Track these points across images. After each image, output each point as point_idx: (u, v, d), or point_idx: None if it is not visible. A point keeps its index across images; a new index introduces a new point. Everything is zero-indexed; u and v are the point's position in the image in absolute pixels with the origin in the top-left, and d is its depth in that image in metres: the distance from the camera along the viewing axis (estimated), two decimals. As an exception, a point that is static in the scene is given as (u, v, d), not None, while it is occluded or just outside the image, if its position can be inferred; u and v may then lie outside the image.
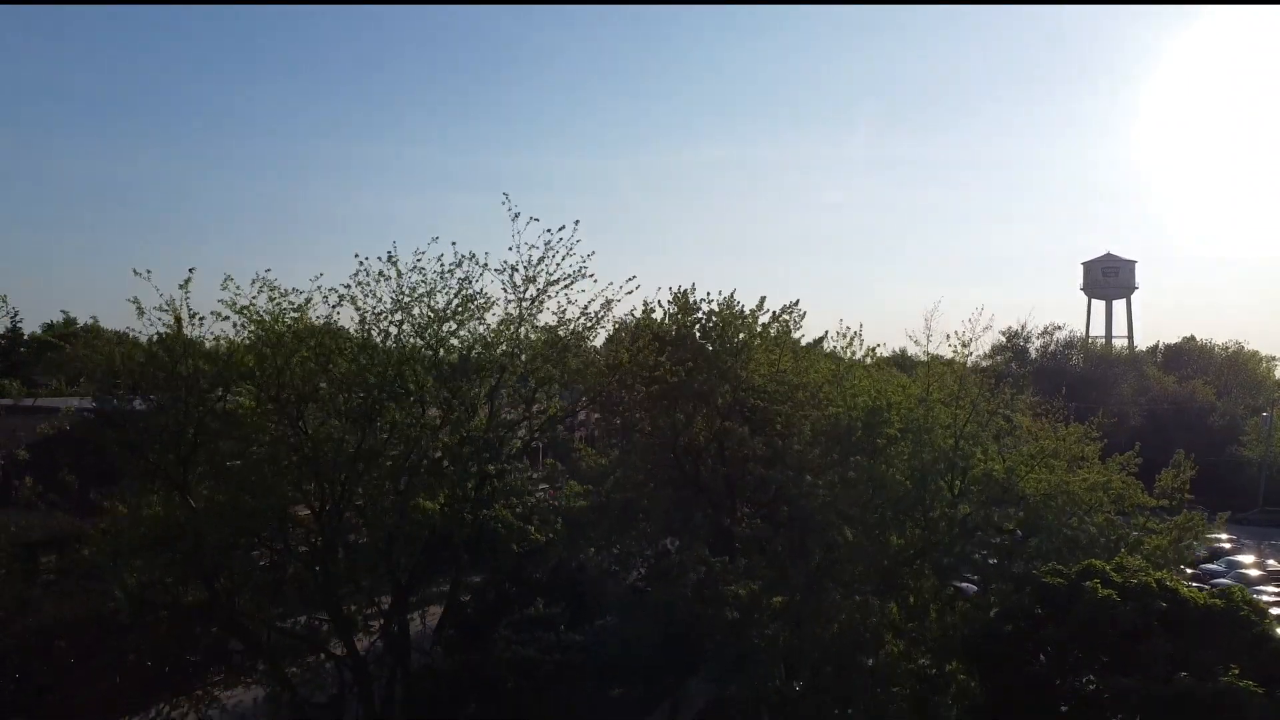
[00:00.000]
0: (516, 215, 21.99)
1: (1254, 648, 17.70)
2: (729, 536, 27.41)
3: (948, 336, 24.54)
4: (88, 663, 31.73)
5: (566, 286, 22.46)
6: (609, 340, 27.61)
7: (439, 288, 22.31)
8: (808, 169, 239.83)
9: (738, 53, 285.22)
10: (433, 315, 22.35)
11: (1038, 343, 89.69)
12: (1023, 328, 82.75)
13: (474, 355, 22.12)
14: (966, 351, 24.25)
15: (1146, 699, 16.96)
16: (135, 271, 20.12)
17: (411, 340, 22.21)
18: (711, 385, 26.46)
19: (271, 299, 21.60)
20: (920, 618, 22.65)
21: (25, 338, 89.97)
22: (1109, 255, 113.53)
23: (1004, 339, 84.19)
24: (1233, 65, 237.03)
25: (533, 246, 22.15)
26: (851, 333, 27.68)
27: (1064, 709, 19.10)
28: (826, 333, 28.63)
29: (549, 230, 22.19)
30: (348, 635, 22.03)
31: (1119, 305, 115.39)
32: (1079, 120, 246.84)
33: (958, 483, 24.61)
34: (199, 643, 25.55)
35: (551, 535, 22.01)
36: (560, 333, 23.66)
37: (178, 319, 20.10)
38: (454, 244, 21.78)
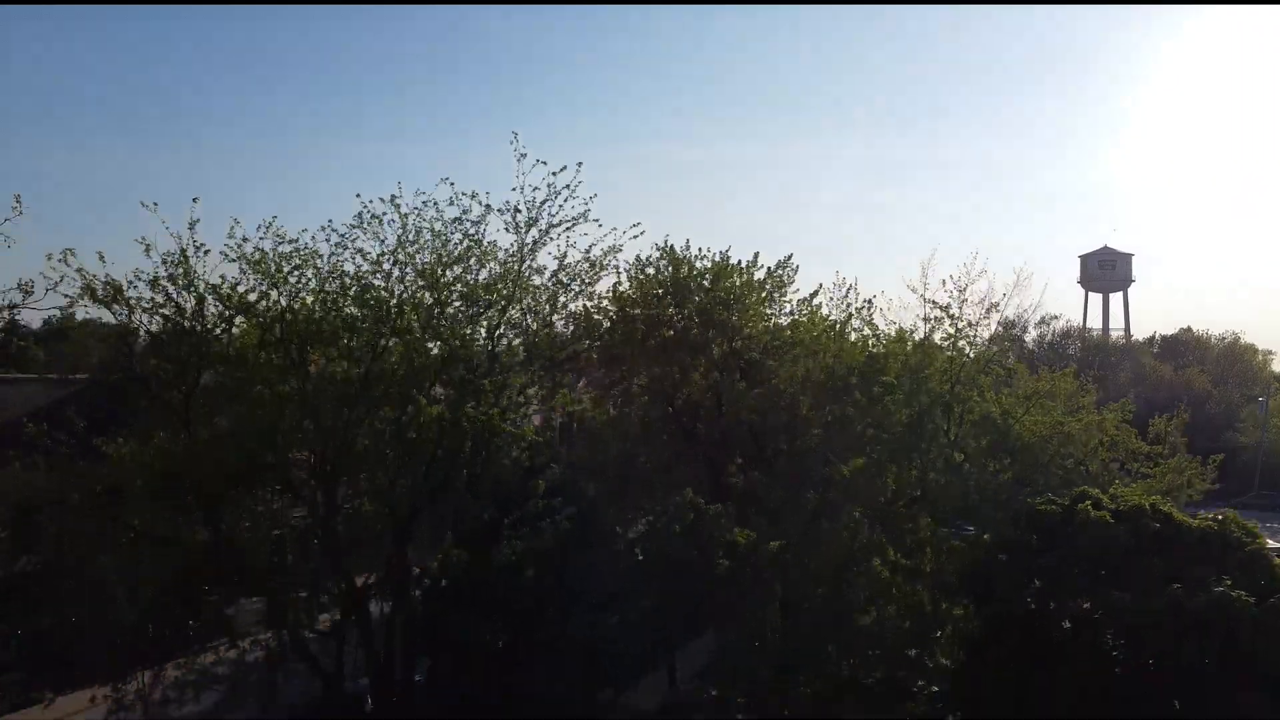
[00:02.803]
0: (523, 156, 22.26)
1: (1247, 566, 17.92)
2: (724, 489, 27.60)
3: (943, 282, 24.82)
4: (88, 617, 31.98)
5: (569, 229, 22.73)
6: (612, 296, 27.78)
7: (442, 231, 22.56)
8: (802, 169, 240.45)
9: (735, 52, 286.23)
10: (436, 259, 22.55)
11: (1034, 332, 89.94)
12: (1020, 318, 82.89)
13: (477, 296, 22.33)
14: (962, 296, 24.51)
15: (1140, 613, 17.16)
16: (142, 204, 20.43)
17: (414, 284, 22.40)
18: (705, 337, 26.67)
19: (276, 244, 21.84)
20: (916, 555, 22.85)
21: (23, 330, 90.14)
22: (1106, 248, 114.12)
23: (1000, 329, 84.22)
24: (1228, 63, 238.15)
25: (535, 188, 22.41)
26: (847, 285, 27.80)
27: (1057, 635, 19.27)
28: (820, 285, 28.67)
29: (553, 174, 22.44)
30: (347, 574, 22.24)
31: (1115, 298, 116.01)
32: (1075, 117, 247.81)
33: (955, 428, 24.84)
34: (200, 599, 25.95)
35: (543, 443, 22.26)
36: (562, 278, 23.95)
37: (183, 252, 20.33)
38: (452, 184, 21.96)
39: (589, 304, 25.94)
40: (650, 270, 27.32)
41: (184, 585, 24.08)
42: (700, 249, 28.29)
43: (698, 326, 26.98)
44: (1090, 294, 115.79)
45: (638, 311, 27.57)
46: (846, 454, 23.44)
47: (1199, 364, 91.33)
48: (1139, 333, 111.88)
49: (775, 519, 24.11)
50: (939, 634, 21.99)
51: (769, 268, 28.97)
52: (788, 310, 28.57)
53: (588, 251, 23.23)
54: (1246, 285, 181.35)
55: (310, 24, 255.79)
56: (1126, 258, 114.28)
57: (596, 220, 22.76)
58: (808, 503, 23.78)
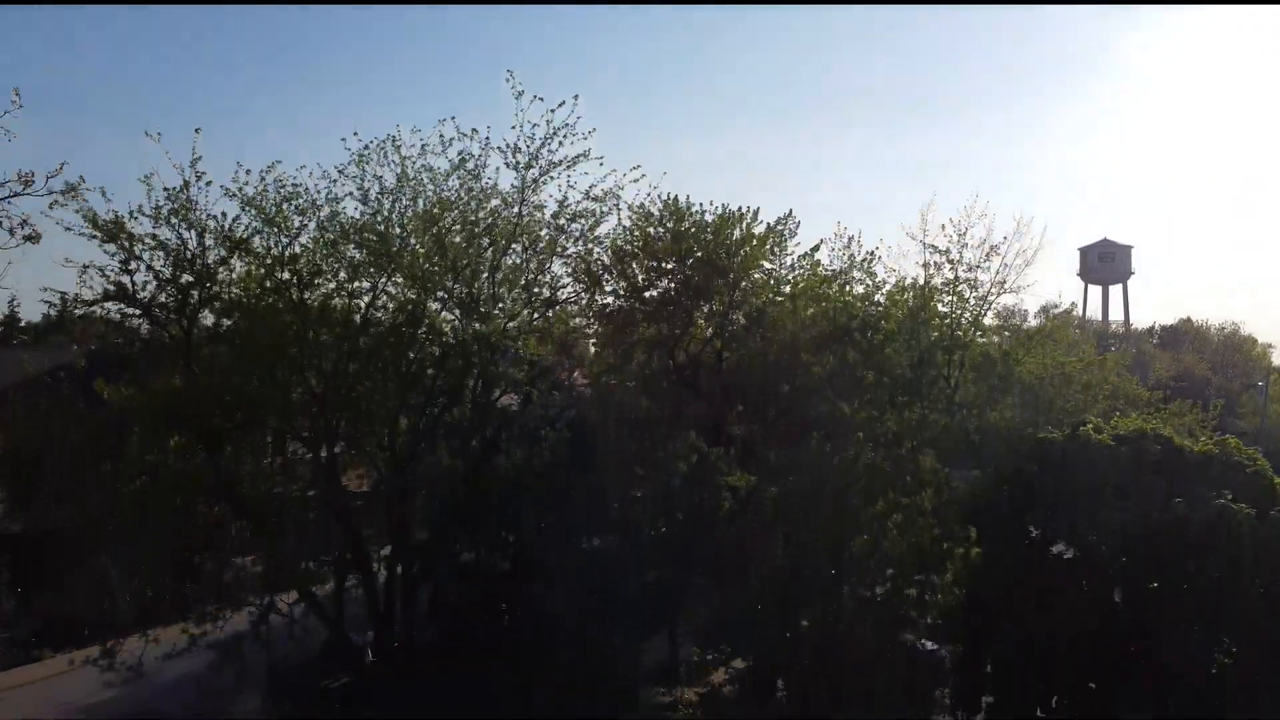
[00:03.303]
0: (520, 94, 22.24)
1: (1248, 485, 17.88)
2: (726, 441, 27.58)
3: (943, 226, 24.81)
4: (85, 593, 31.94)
5: (570, 167, 22.68)
6: (612, 250, 27.77)
7: (443, 173, 22.56)
8: (800, 168, 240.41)
9: (732, 51, 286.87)
10: (436, 201, 22.54)
11: (1035, 321, 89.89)
12: (1020, 303, 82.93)
13: (476, 234, 22.32)
14: (962, 240, 24.51)
15: (1144, 529, 17.13)
16: (147, 134, 20.41)
17: (414, 221, 22.35)
18: (708, 285, 26.67)
19: (277, 187, 21.80)
20: (917, 494, 22.79)
21: (22, 324, 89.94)
22: (1105, 240, 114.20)
23: (999, 320, 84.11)
24: (1226, 60, 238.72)
25: (534, 124, 22.37)
26: (849, 237, 27.77)
27: (1057, 566, 19.18)
28: (822, 241, 28.66)
29: (551, 110, 22.40)
30: (345, 510, 22.22)
31: (1115, 290, 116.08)
32: (1073, 110, 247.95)
33: (955, 373, 24.85)
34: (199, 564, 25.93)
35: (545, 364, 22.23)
36: (562, 221, 23.97)
37: (185, 184, 20.29)
38: (454, 118, 21.96)
39: (589, 251, 25.77)
40: (654, 214, 27.24)
41: (184, 545, 24.13)
42: (701, 203, 28.34)
43: (700, 275, 26.98)
44: (1090, 286, 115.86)
45: (638, 265, 27.64)
46: (849, 396, 23.46)
47: (1198, 353, 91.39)
48: (1138, 324, 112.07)
49: (774, 474, 24.11)
50: (940, 572, 21.97)
51: (769, 223, 29.02)
52: (789, 263, 28.65)
53: (589, 191, 23.20)
54: (1246, 285, 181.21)
55: (316, 22, 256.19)
56: (1126, 250, 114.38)
57: (599, 159, 22.73)
58: (808, 456, 23.73)
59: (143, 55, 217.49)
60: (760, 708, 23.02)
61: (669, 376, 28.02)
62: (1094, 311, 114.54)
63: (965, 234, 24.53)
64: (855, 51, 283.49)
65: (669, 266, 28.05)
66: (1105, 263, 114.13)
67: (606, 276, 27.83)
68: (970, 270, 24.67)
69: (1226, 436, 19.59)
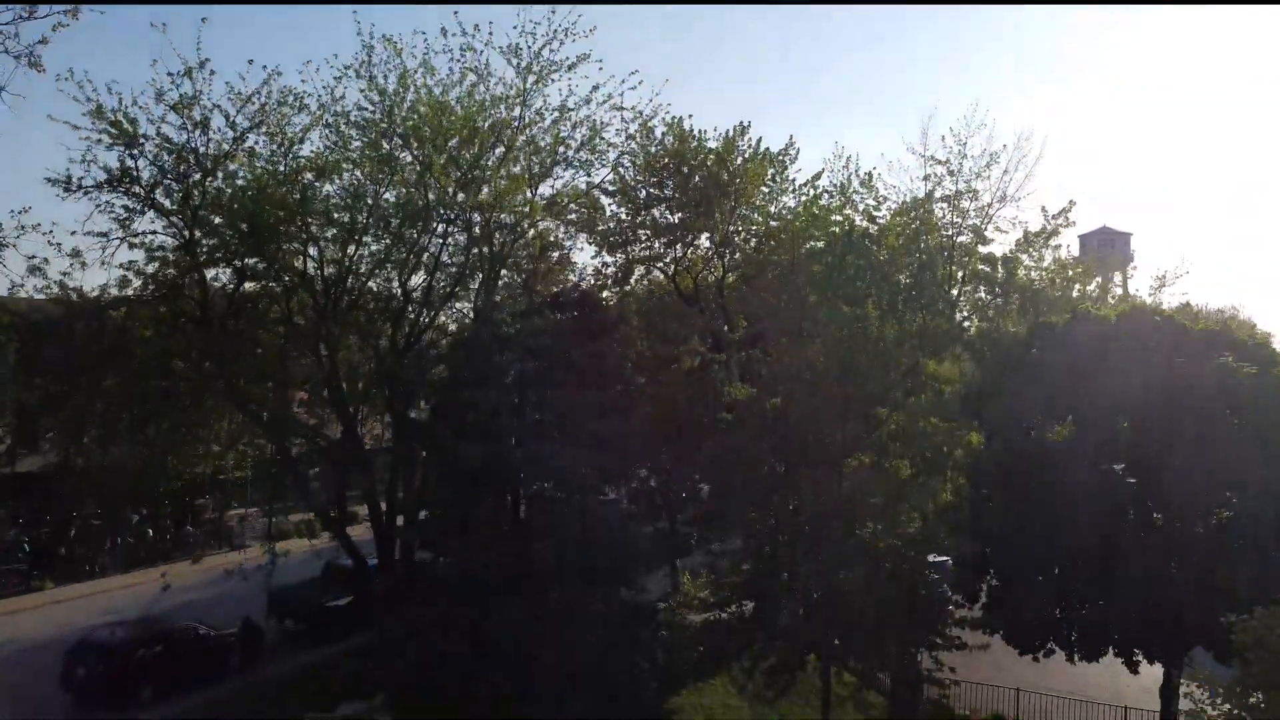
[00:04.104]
0: None
1: (1250, 355, 17.88)
2: (726, 360, 27.56)
3: (943, 138, 24.83)
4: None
5: (571, 69, 22.79)
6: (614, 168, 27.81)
7: (444, 75, 22.69)
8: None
9: (732, 49, 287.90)
10: (440, 106, 22.59)
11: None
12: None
13: (480, 133, 22.40)
14: (963, 151, 24.50)
15: (1147, 389, 17.11)
16: (151, 24, 20.49)
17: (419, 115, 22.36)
18: (710, 204, 26.70)
19: (282, 99, 21.87)
20: (916, 393, 22.72)
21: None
22: (1105, 228, 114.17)
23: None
24: (1229, 53, 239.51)
25: (536, 22, 22.51)
26: (847, 156, 27.82)
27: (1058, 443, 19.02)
28: (824, 168, 28.70)
29: (551, 11, 22.57)
30: (343, 404, 22.31)
31: (1114, 278, 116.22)
32: (1073, 101, 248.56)
33: (957, 286, 24.85)
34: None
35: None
36: (562, 129, 24.06)
37: (189, 71, 20.29)
38: (455, 13, 22.10)
39: (588, 163, 25.81)
40: (656, 134, 27.30)
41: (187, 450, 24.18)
42: (702, 131, 28.37)
43: (701, 198, 27.02)
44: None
45: (638, 182, 27.74)
46: (850, 301, 23.40)
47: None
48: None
49: (773, 386, 24.04)
50: (941, 477, 21.86)
51: (769, 151, 29.07)
52: (789, 188, 28.70)
53: (589, 96, 23.32)
54: (1244, 278, 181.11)
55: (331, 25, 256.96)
56: (1125, 237, 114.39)
57: (598, 63, 22.85)
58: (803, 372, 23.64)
59: None
60: (760, 627, 22.98)
61: (670, 294, 28.06)
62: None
63: (965, 144, 24.54)
64: (852, 50, 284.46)
65: (669, 193, 28.12)
66: (1105, 250, 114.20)
67: (608, 200, 27.91)
68: (969, 181, 24.66)
69: (1229, 319, 19.59)
